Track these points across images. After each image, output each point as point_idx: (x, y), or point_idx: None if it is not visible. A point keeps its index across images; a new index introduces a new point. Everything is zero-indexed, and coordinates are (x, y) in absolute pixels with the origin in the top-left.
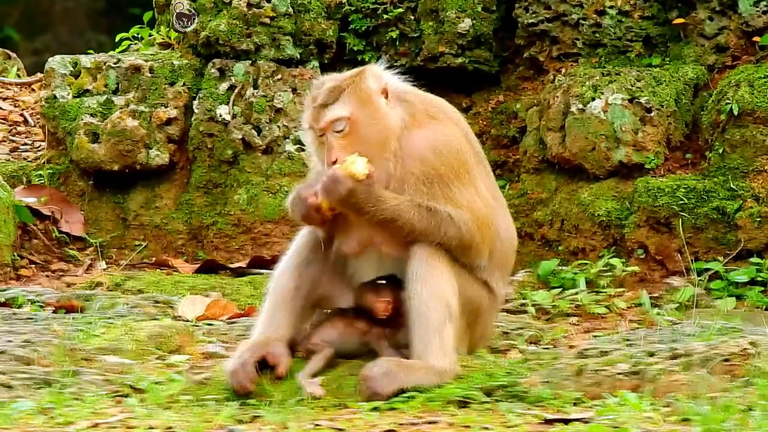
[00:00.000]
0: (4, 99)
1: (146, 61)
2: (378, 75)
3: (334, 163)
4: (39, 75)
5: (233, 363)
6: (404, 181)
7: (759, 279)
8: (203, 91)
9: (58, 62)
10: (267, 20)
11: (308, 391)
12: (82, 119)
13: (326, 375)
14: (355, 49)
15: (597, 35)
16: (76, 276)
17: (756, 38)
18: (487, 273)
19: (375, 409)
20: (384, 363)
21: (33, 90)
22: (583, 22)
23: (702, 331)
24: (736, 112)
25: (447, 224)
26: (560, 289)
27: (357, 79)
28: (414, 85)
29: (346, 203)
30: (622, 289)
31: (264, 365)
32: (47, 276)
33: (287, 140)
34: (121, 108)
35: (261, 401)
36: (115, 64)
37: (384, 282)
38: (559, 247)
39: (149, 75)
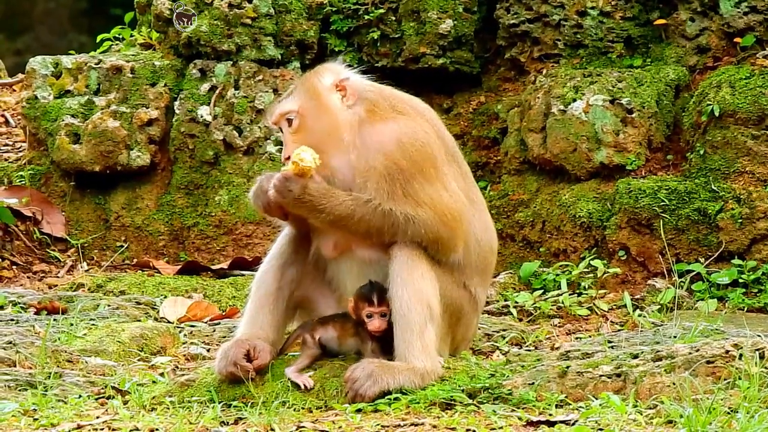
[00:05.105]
0: None
1: (127, 61)
2: (334, 71)
3: (288, 159)
4: (20, 76)
5: (222, 361)
6: (367, 176)
7: (741, 280)
8: (184, 92)
9: (39, 63)
10: (248, 21)
11: (298, 382)
12: (63, 120)
13: (311, 373)
14: (337, 49)
15: (578, 36)
16: (58, 277)
17: (737, 39)
18: (466, 277)
19: (359, 410)
20: (367, 364)
21: (14, 91)
22: (565, 22)
23: (684, 333)
24: (717, 113)
25: (404, 225)
26: (542, 291)
27: (309, 75)
28: (393, 86)
29: (300, 203)
30: (604, 291)
31: (249, 362)
32: (29, 277)
33: (268, 141)
34: (102, 109)
35: (245, 403)
36: (96, 64)
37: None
38: (541, 249)
39: (130, 76)
